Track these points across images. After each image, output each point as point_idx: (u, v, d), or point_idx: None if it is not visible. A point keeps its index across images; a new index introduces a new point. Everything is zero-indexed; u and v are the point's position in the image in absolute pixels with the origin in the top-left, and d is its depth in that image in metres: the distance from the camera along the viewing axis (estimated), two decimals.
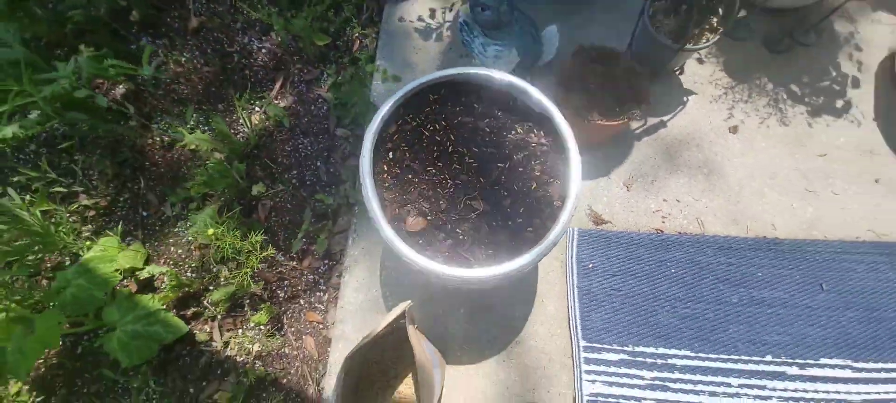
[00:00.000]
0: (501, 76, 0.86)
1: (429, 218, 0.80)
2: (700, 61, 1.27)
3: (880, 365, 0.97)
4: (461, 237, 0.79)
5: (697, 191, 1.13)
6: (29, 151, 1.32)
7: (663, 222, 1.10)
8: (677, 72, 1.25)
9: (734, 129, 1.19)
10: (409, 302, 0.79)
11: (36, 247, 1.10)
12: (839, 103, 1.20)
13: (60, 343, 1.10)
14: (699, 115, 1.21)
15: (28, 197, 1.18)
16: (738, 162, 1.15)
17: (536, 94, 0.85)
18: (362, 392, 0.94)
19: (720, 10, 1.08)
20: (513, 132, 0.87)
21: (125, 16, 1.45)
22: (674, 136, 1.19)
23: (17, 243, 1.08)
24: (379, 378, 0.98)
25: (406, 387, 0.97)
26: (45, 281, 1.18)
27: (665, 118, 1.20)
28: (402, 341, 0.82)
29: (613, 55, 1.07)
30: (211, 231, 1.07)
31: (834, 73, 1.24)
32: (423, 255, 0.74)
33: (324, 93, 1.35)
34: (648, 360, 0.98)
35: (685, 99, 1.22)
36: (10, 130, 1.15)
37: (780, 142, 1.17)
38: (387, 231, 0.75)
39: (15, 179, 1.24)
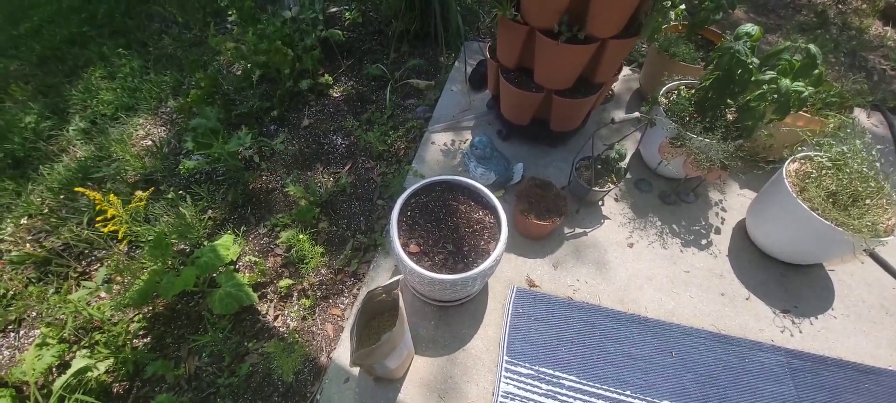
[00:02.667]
0: (476, 184, 1.57)
1: (422, 247, 1.44)
2: (616, 200, 1.95)
3: None
4: (437, 260, 1.42)
5: (599, 278, 1.71)
6: (186, 178, 2.12)
7: (574, 293, 1.67)
8: (599, 204, 1.92)
9: (631, 245, 1.80)
10: (402, 276, 1.38)
11: (186, 232, 1.80)
12: (704, 241, 1.81)
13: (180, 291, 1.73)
14: (610, 232, 1.84)
15: (188, 202, 1.93)
16: (630, 265, 1.74)
17: (490, 196, 1.53)
18: (369, 324, 1.47)
19: (613, 174, 1.79)
20: (476, 213, 1.54)
21: (269, 112, 2.36)
22: (590, 242, 1.81)
23: (179, 228, 1.79)
24: (378, 318, 1.50)
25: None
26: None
27: (587, 230, 1.84)
28: (394, 300, 1.38)
29: (548, 185, 1.77)
30: (289, 235, 1.74)
31: (703, 222, 1.87)
32: (416, 265, 1.36)
33: (375, 177, 2.11)
34: (546, 377, 1.48)
35: (602, 221, 1.87)
36: (191, 164, 1.95)
37: (660, 258, 1.76)
38: (398, 249, 1.39)
39: (179, 192, 2.01)
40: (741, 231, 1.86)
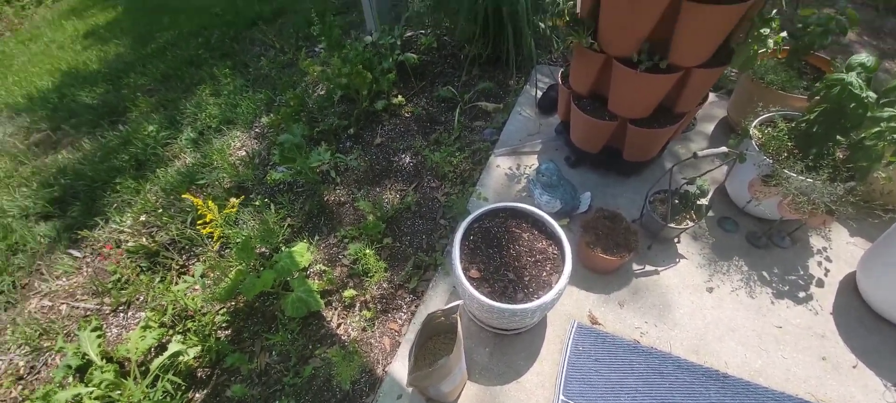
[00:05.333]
0: (541, 213, 1.54)
1: (483, 273, 1.45)
2: (694, 238, 1.79)
3: None
4: (497, 288, 1.41)
5: (671, 323, 1.58)
6: (271, 187, 2.33)
7: (641, 336, 1.56)
8: (675, 241, 1.78)
9: (710, 290, 1.64)
10: (462, 301, 1.39)
11: (268, 237, 1.98)
12: (801, 294, 1.59)
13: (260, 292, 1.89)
14: (685, 273, 1.70)
15: (271, 209, 2.12)
16: (708, 312, 1.59)
17: (555, 226, 1.50)
18: (425, 344, 1.49)
19: (692, 210, 1.65)
20: (539, 242, 1.51)
21: (346, 129, 2.54)
22: (663, 282, 1.68)
23: (263, 232, 1.97)
24: (435, 338, 1.52)
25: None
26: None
27: (659, 268, 1.71)
28: (452, 324, 1.40)
29: (618, 217, 1.68)
30: (356, 248, 1.84)
31: (802, 272, 1.65)
32: (476, 291, 1.37)
33: (439, 196, 2.16)
34: None
35: (677, 260, 1.73)
36: (277, 175, 2.15)
37: (745, 308, 1.58)
38: (460, 274, 1.40)
39: (265, 200, 2.22)
40: (850, 286, 1.61)
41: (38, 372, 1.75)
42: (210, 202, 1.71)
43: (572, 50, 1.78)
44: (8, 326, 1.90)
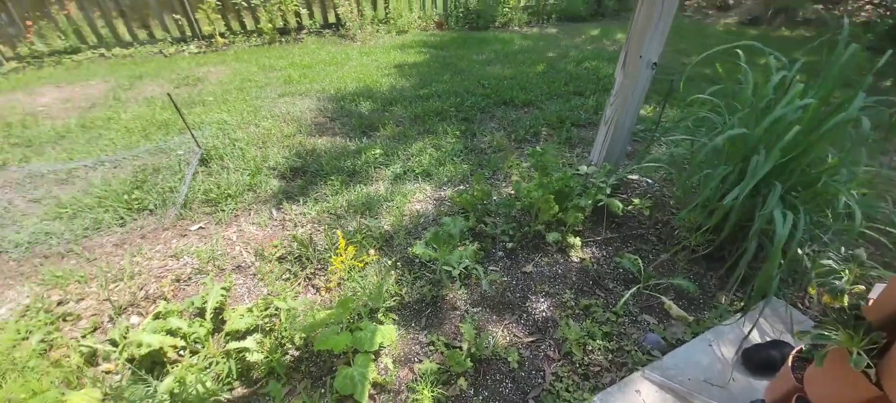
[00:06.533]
0: None
1: None
2: None
3: None
4: None
5: None
6: (409, 257, 2.40)
7: None
8: None
9: None
10: None
11: (375, 299, 2.02)
12: None
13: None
14: None
15: (393, 275, 2.17)
16: None
17: None
18: None
19: None
20: None
21: (506, 241, 2.41)
22: None
23: (372, 293, 2.03)
24: None
25: None
26: None
27: None
28: None
29: None
30: (428, 369, 1.65)
31: None
32: None
33: (547, 372, 1.76)
34: None
35: None
36: (418, 251, 2.19)
37: None
38: None
39: (397, 265, 2.30)
40: None
41: (187, 284, 2.25)
42: (351, 248, 1.86)
43: (827, 355, 1.15)
44: (202, 239, 2.55)
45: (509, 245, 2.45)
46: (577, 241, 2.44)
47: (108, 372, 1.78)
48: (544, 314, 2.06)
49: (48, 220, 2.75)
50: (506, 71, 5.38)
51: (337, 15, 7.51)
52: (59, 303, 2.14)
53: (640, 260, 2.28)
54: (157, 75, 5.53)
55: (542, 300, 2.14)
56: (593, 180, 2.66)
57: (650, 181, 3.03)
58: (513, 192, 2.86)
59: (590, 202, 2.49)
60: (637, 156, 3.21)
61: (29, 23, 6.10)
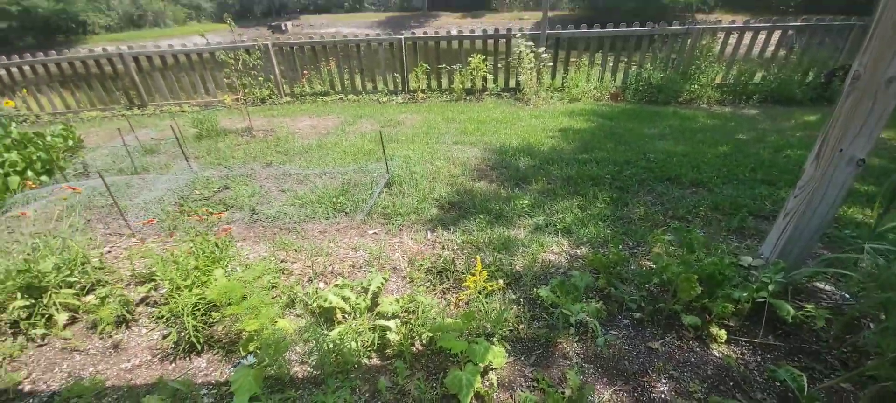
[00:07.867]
0: None
1: None
2: None
3: None
4: None
5: None
6: (532, 296, 2.56)
7: None
8: None
9: None
10: None
11: (496, 325, 2.26)
12: None
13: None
14: None
15: (513, 310, 2.38)
16: None
17: None
18: None
19: None
20: None
21: (634, 310, 2.37)
22: None
23: (494, 318, 2.27)
24: None
25: None
26: None
27: None
28: None
29: None
30: None
31: None
32: None
33: None
34: None
35: None
36: (542, 293, 2.36)
37: None
38: None
39: (521, 299, 2.50)
40: None
41: (359, 270, 2.89)
42: (484, 272, 2.19)
43: None
44: (374, 241, 3.23)
45: (637, 315, 2.37)
46: (722, 334, 2.20)
47: (298, 316, 2.48)
48: (662, 396, 1.94)
49: (288, 205, 3.92)
50: (678, 147, 5.08)
51: (517, 81, 8.35)
52: (282, 261, 3.06)
53: (804, 378, 1.92)
54: (371, 116, 7.18)
55: (664, 381, 2.01)
56: (756, 274, 2.37)
57: (847, 295, 2.48)
58: (650, 265, 2.74)
59: (746, 295, 2.23)
60: (821, 260, 2.68)
61: (306, 72, 8.78)
